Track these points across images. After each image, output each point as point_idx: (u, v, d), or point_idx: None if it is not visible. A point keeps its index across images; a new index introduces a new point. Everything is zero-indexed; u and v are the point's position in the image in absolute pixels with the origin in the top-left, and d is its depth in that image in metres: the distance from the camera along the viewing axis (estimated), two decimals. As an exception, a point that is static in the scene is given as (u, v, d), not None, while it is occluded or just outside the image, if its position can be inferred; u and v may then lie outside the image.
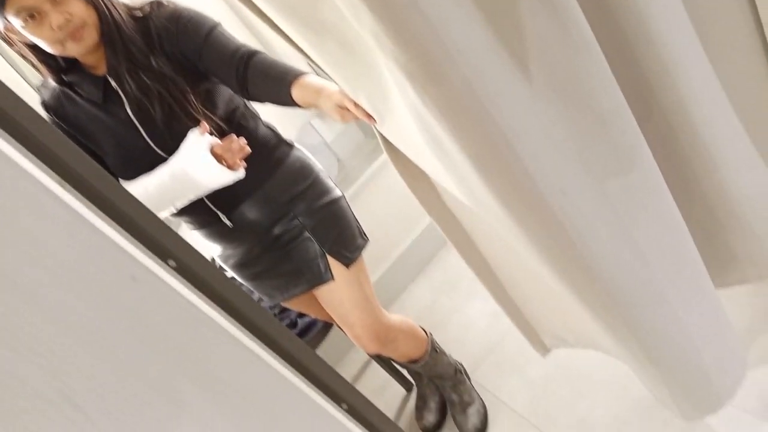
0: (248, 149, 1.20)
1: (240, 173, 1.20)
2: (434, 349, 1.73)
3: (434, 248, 2.58)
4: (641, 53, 0.87)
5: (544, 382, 1.72)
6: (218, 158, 1.17)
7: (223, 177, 1.18)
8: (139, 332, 0.55)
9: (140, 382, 0.56)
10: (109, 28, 1.21)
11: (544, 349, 1.39)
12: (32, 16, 1.12)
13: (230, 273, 1.54)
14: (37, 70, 1.28)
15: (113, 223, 0.60)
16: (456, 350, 2.01)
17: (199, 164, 1.17)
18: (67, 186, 0.62)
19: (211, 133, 1.25)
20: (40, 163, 0.62)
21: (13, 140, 0.59)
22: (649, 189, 0.88)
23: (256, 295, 1.77)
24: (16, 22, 1.13)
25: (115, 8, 1.23)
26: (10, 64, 1.97)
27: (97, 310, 0.53)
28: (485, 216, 0.89)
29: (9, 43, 1.22)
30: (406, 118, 0.83)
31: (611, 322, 0.94)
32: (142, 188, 1.24)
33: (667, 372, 0.98)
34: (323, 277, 1.43)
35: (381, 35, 0.67)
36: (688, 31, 0.86)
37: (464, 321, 2.15)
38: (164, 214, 1.30)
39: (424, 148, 0.84)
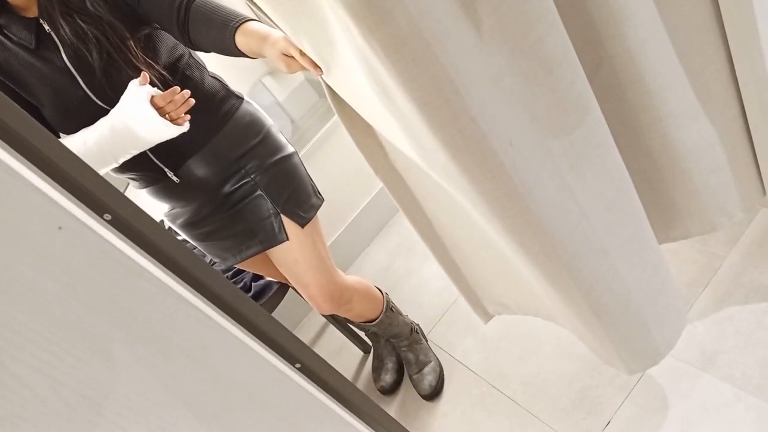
0: (192, 101, 1.14)
1: (184, 127, 1.14)
2: (390, 309, 1.74)
3: (390, 211, 2.57)
4: (591, 0, 0.86)
5: (496, 341, 1.75)
6: (160, 110, 1.11)
7: (165, 131, 1.12)
8: (70, 285, 0.52)
9: (73, 336, 0.53)
10: None
11: (486, 315, 1.40)
12: None
13: (179, 233, 1.48)
14: None
15: (41, 173, 0.56)
16: (412, 311, 2.03)
17: (139, 117, 1.10)
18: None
19: (154, 84, 1.19)
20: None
21: None
22: (596, 142, 0.88)
23: (208, 258, 1.73)
24: None
25: None
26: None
27: (21, 261, 0.49)
28: (433, 168, 0.87)
29: None
30: (353, 66, 0.80)
31: (556, 278, 0.94)
32: (80, 142, 1.17)
33: (610, 326, 1.00)
34: (277, 237, 1.40)
35: None
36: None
37: (420, 283, 2.17)
38: (106, 169, 1.23)
39: (372, 96, 0.81)
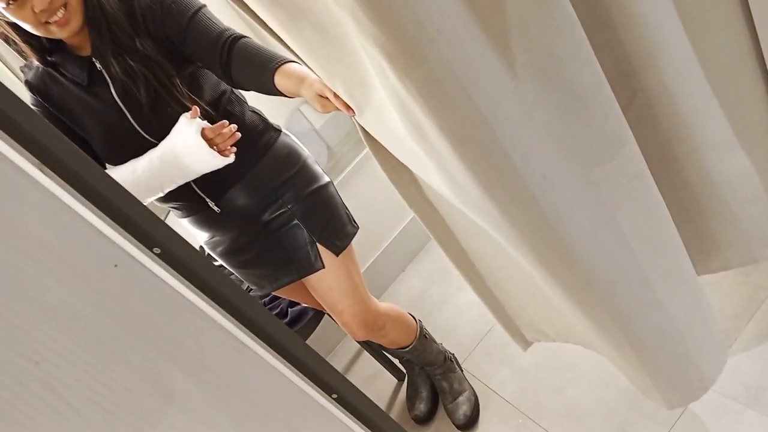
0: (239, 134, 1.19)
1: (230, 158, 1.19)
2: (423, 336, 1.74)
3: (425, 237, 2.58)
4: (624, 34, 0.86)
5: (533, 371, 1.73)
6: (209, 142, 1.16)
7: (212, 162, 1.18)
8: (123, 319, 0.55)
9: (125, 369, 0.56)
10: (93, 10, 1.20)
11: (524, 342, 1.39)
12: None
13: (218, 261, 1.53)
14: (20, 50, 1.26)
15: (96, 210, 0.60)
16: (447, 340, 2.02)
17: (189, 148, 1.16)
18: (48, 171, 0.61)
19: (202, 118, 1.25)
20: (20, 148, 0.61)
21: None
22: (632, 174, 0.88)
23: (245, 285, 1.77)
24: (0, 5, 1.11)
25: None
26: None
27: (79, 297, 0.52)
28: (466, 203, 0.89)
29: None
30: (387, 106, 0.82)
31: (592, 310, 0.94)
32: (129, 170, 1.23)
33: (649, 359, 0.99)
34: (313, 265, 1.43)
35: (359, 14, 0.66)
36: (669, 11, 0.86)
37: (454, 311, 2.16)
38: (151, 199, 1.29)
39: (405, 135, 0.83)
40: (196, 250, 0.72)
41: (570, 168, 0.82)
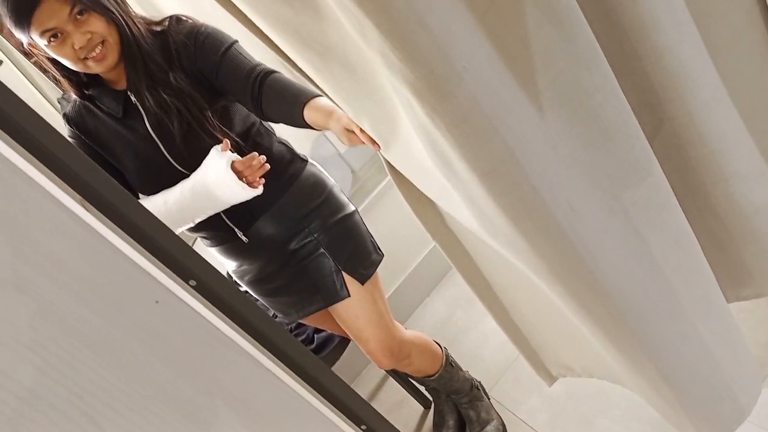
0: (268, 166, 1.22)
1: (259, 190, 1.22)
2: (449, 364, 1.73)
3: (449, 263, 2.57)
4: (650, 66, 0.87)
5: (563, 400, 1.70)
6: (239, 174, 1.19)
7: (243, 193, 1.21)
8: (164, 353, 0.57)
9: (164, 402, 0.57)
10: (129, 46, 1.25)
11: (550, 378, 1.37)
12: (55, 36, 1.16)
13: (245, 288, 1.55)
14: (58, 82, 1.32)
15: (136, 244, 0.62)
16: (473, 367, 2.00)
17: (220, 180, 1.19)
18: (90, 207, 0.63)
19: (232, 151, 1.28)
20: (63, 184, 0.63)
21: (34, 159, 0.60)
22: (660, 203, 0.88)
23: (271, 312, 1.78)
24: (40, 42, 1.17)
25: (135, 25, 1.26)
26: (26, 77, 2.01)
27: (123, 332, 0.54)
28: (494, 235, 0.89)
29: (28, 55, 1.26)
30: (413, 140, 0.84)
31: (623, 342, 0.93)
32: (161, 202, 1.27)
33: (682, 391, 0.97)
34: (339, 294, 1.45)
35: (388, 53, 0.68)
36: (695, 41, 0.87)
37: (481, 337, 2.14)
38: (182, 228, 1.32)
39: (432, 168, 0.85)
40: (228, 281, 0.74)
41: (597, 198, 0.83)
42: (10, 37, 1.40)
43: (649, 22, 0.81)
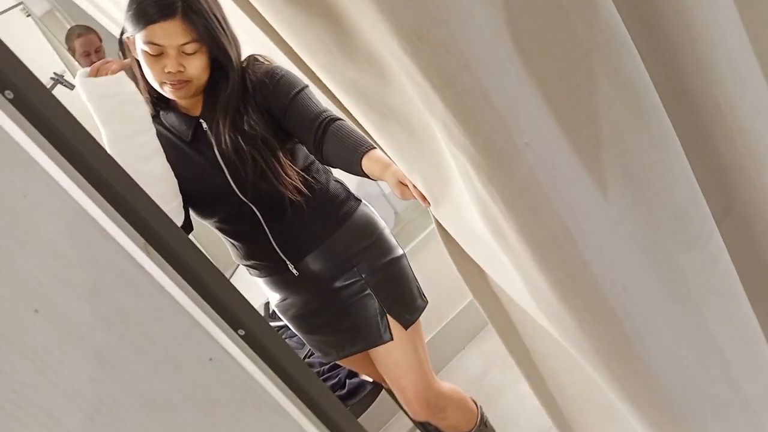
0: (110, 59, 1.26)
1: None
2: (483, 424, 1.68)
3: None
4: (724, 147, 0.85)
5: (598, 475, 1.62)
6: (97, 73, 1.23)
7: (104, 80, 1.23)
8: (212, 414, 0.56)
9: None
10: (219, 91, 1.30)
11: None
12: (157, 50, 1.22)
13: (286, 322, 1.55)
14: (136, 81, 1.35)
15: (193, 293, 0.62)
16: (506, 429, 1.94)
17: (89, 87, 1.23)
18: (152, 252, 0.65)
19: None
20: (129, 227, 0.64)
21: (102, 200, 0.61)
22: (722, 292, 0.84)
23: (307, 349, 1.77)
24: (142, 47, 1.23)
25: (235, 75, 1.30)
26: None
27: (177, 390, 0.54)
28: (541, 306, 0.87)
29: (123, 50, 1.32)
30: (465, 203, 0.84)
31: (664, 430, 0.88)
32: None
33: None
34: (382, 337, 1.44)
35: (452, 126, 0.68)
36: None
37: (516, 398, 2.07)
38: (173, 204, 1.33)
39: (484, 232, 0.84)
40: (275, 331, 0.74)
41: (654, 282, 0.80)
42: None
43: (726, 99, 0.80)
